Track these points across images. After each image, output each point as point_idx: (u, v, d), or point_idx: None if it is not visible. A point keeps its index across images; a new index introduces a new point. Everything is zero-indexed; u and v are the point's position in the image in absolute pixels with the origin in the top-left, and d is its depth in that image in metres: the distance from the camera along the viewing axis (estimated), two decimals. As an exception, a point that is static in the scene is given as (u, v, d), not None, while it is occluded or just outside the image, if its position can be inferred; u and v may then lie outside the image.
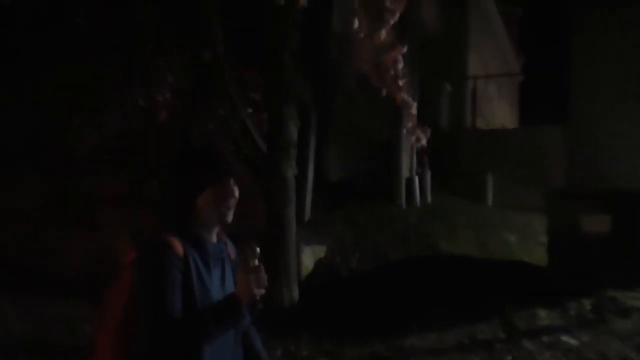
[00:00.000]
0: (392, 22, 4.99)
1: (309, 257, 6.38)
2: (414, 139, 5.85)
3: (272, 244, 5.32)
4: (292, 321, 5.26)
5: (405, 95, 5.41)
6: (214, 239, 1.71)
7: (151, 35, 5.68)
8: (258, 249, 1.65)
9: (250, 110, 5.92)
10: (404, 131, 8.49)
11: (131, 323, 1.59)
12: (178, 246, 1.58)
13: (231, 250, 1.80)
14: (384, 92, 5.33)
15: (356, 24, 5.01)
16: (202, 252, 1.64)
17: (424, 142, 5.87)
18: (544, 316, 5.06)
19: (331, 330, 5.07)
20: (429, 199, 8.81)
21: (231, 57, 5.68)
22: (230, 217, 1.69)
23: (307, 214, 7.51)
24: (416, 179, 8.61)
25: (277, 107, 5.60)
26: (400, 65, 5.22)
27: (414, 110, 5.60)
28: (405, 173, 8.54)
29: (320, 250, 6.71)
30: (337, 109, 8.44)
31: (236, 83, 5.79)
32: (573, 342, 4.56)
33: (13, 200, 7.26)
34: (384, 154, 8.47)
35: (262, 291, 1.62)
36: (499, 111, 13.85)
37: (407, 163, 8.68)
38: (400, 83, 5.28)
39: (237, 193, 1.69)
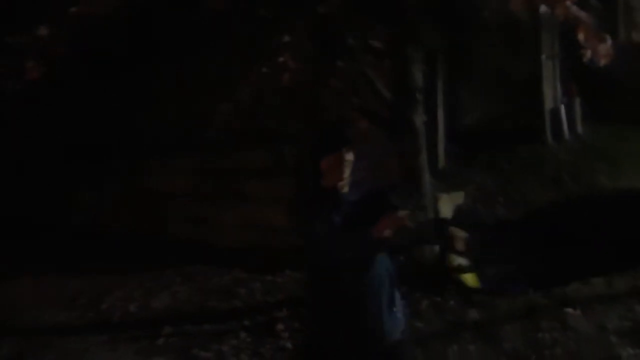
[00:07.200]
0: None
1: (446, 205, 6.06)
2: (588, 53, 4.78)
3: (405, 195, 5.11)
4: (435, 272, 5.05)
5: (570, 5, 4.53)
6: (343, 192, 2.17)
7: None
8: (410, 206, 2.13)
9: (371, 59, 5.67)
10: (544, 57, 7.66)
11: None
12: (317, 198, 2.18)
13: (363, 199, 2.19)
14: (541, 8, 4.51)
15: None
16: (332, 200, 2.15)
17: (605, 58, 4.75)
18: None
19: (479, 280, 4.77)
20: (580, 130, 7.88)
21: (347, 4, 5.44)
22: (346, 177, 2.15)
23: (441, 162, 7.16)
24: (562, 109, 7.72)
25: (399, 51, 5.28)
26: None
27: (587, 19, 4.61)
28: (549, 104, 7.70)
29: (458, 197, 6.37)
30: (467, 46, 7.83)
31: (354, 32, 5.55)
32: None
33: (168, 181, 7.89)
34: (522, 88, 7.71)
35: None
36: (660, 20, 11.86)
37: (550, 93, 7.80)
38: None
39: (348, 159, 2.14)
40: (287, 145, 6.77)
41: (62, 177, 8.39)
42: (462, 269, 1.98)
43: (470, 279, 2.19)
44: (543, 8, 4.49)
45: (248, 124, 7.26)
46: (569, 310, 4.02)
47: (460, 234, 2.21)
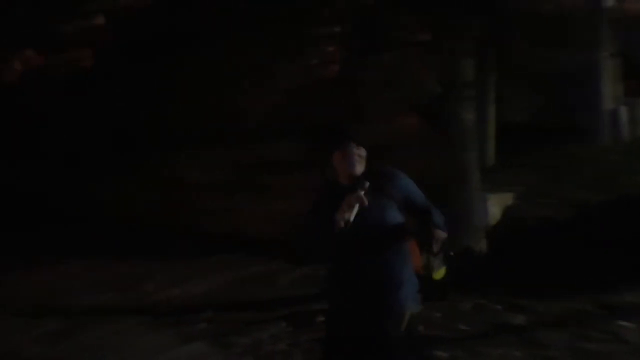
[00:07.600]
0: None
1: (495, 206, 5.92)
2: None
3: (452, 194, 4.98)
4: (480, 274, 4.92)
5: None
6: (347, 182, 2.31)
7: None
8: (367, 183, 2.16)
9: (420, 53, 5.54)
10: (605, 55, 7.31)
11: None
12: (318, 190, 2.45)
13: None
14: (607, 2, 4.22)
15: None
16: (332, 192, 2.32)
17: None
18: None
19: (524, 283, 4.63)
20: (643, 132, 7.54)
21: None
22: (351, 171, 2.29)
23: (491, 160, 6.97)
24: (622, 110, 7.38)
25: (448, 45, 5.15)
26: None
27: None
28: (608, 104, 7.37)
29: (507, 198, 6.21)
30: (518, 40, 7.56)
31: (401, 26, 5.44)
32: None
33: (203, 172, 7.88)
34: (579, 86, 7.40)
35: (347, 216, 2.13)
36: None
37: (610, 92, 7.46)
38: None
39: (349, 155, 2.28)
40: (317, 138, 6.63)
41: (104, 169, 8.48)
42: (430, 268, 2.18)
43: (439, 274, 2.27)
44: (610, 2, 4.25)
45: (282, 117, 7.18)
46: (622, 322, 3.83)
47: (441, 235, 2.17)
